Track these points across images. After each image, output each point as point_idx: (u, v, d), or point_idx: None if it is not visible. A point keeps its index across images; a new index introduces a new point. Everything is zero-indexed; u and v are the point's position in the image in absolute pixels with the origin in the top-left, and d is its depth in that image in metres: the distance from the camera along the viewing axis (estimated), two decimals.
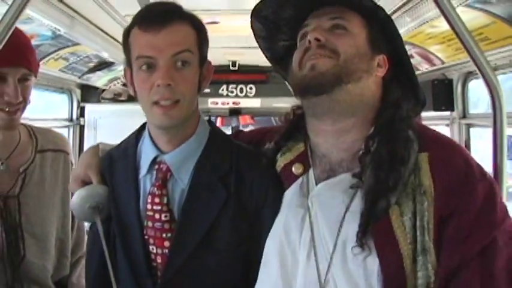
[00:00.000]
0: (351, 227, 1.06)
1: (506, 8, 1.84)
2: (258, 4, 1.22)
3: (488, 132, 3.16)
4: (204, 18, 1.19)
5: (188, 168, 1.20)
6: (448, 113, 3.04)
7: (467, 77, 2.94)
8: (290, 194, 1.18)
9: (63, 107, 4.13)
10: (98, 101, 4.36)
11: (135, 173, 1.25)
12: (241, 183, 1.19)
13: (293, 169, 1.19)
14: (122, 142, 1.35)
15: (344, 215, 1.08)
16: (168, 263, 1.17)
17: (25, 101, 1.51)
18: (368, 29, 1.15)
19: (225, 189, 1.18)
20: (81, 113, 4.22)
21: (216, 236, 1.17)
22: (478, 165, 1.08)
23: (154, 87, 1.13)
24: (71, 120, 4.17)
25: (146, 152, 1.24)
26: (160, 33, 1.12)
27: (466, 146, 2.91)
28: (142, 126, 1.31)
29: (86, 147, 4.06)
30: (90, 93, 4.29)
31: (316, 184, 1.16)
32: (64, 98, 4.11)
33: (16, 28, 1.54)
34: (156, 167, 1.21)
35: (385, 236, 1.03)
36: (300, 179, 1.18)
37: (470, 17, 1.98)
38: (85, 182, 1.29)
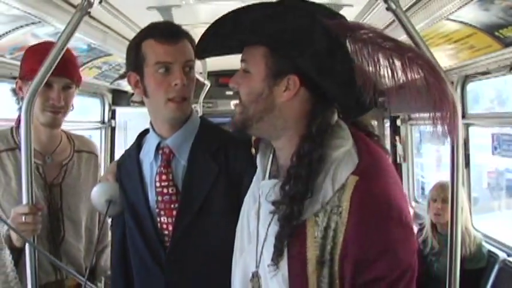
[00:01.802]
0: (273, 229, 1.13)
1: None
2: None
3: (482, 130, 3.35)
4: None
5: (186, 148, 1.46)
6: None
7: (466, 79, 3.11)
8: (256, 173, 1.29)
9: (96, 110, 4.32)
10: (128, 104, 4.52)
11: (138, 165, 1.52)
12: (229, 160, 1.45)
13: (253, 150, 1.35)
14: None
15: (273, 217, 1.14)
16: (175, 226, 1.42)
17: (67, 106, 1.79)
18: (270, 57, 1.12)
19: (217, 165, 1.44)
20: (112, 116, 4.41)
21: (212, 203, 1.41)
22: (399, 210, 1.05)
23: (170, 86, 1.39)
24: (103, 122, 4.38)
25: (151, 142, 1.50)
26: (177, 45, 1.40)
27: (465, 143, 3.10)
28: (143, 133, 1.60)
29: (116, 147, 4.33)
30: (120, 97, 4.46)
31: (270, 177, 1.23)
32: (96, 102, 4.31)
33: None
34: (160, 152, 1.47)
35: (297, 241, 1.09)
36: (263, 165, 1.26)
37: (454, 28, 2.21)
38: None
